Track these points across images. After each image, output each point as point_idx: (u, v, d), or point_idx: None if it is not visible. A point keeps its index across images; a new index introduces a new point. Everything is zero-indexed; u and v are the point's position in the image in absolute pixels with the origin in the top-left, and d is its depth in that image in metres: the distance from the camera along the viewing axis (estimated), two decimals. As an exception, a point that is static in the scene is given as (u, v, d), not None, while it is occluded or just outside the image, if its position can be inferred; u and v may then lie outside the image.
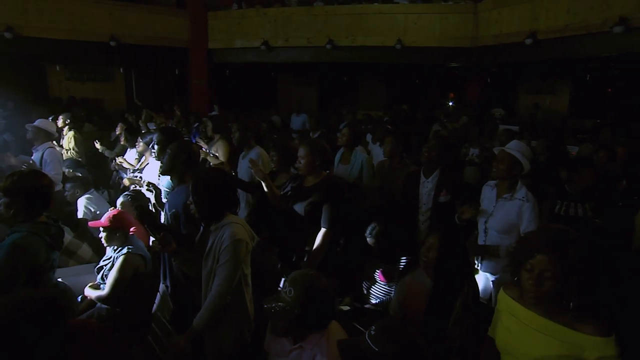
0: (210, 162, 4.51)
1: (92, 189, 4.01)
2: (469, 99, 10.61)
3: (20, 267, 1.82)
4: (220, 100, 10.05)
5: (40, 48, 8.34)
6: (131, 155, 5.09)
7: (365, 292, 2.74)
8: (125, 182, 4.19)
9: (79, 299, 2.79)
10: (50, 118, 5.45)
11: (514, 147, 2.64)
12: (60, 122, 5.97)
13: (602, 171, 3.80)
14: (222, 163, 4.40)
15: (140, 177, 4.11)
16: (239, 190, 3.32)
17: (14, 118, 6.44)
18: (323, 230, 2.72)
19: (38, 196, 1.97)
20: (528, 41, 7.15)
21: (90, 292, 2.67)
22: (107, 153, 5.84)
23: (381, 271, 2.65)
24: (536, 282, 1.33)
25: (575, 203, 3.22)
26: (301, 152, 2.77)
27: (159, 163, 3.64)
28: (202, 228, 2.28)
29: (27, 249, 1.86)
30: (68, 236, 3.10)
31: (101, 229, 2.65)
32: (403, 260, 2.61)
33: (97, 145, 5.72)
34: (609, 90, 11.27)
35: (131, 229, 2.74)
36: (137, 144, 4.69)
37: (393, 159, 3.71)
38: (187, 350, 1.97)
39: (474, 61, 8.87)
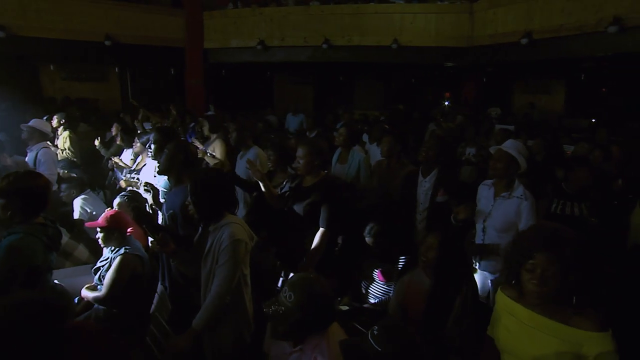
0: (206, 162, 4.49)
1: (88, 190, 3.98)
2: (464, 99, 10.66)
3: (17, 268, 1.80)
4: (216, 100, 10.01)
5: (34, 47, 8.26)
6: (127, 155, 5.06)
7: (364, 291, 2.75)
8: (122, 184, 4.16)
9: (76, 301, 2.77)
10: (45, 118, 5.41)
11: (510, 146, 2.65)
12: (55, 122, 5.92)
13: (597, 170, 3.82)
14: (220, 163, 4.39)
15: (137, 179, 4.09)
16: (238, 190, 3.31)
17: (8, 118, 6.38)
18: (321, 230, 2.72)
19: (35, 197, 1.95)
20: (523, 41, 7.20)
21: (87, 294, 2.64)
22: (102, 152, 5.81)
23: (380, 271, 2.66)
24: (540, 281, 1.33)
25: (571, 202, 3.24)
26: (300, 152, 2.76)
27: (155, 163, 3.63)
28: (200, 228, 2.27)
29: (23, 250, 1.84)
30: (64, 237, 3.07)
31: (98, 229, 2.63)
32: (402, 259, 2.62)
33: (96, 143, 5.70)
34: (604, 89, 11.37)
35: (128, 230, 2.72)
36: (134, 144, 4.67)
37: (391, 158, 3.72)
38: (185, 351, 1.96)
39: (470, 61, 8.90)
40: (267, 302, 1.65)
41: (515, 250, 1.44)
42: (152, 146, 3.11)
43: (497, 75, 10.89)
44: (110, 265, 2.57)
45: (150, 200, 3.02)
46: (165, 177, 3.05)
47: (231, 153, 4.45)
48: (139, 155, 4.61)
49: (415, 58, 9.10)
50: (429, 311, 2.12)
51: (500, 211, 2.59)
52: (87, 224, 2.94)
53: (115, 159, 4.87)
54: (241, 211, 3.70)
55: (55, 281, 2.44)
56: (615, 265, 2.90)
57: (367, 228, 2.65)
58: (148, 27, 9.47)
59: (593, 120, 9.71)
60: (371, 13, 9.00)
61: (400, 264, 2.62)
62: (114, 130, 6.11)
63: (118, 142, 5.61)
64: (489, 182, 2.81)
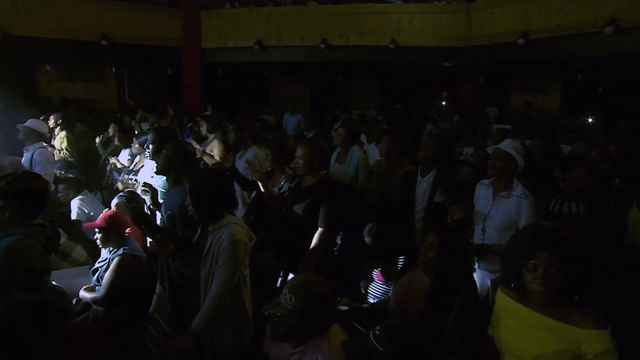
0: (204, 161, 4.47)
1: (86, 190, 3.96)
2: (462, 99, 10.68)
3: (16, 270, 1.79)
4: (213, 100, 9.98)
5: (30, 47, 8.21)
6: (124, 155, 5.04)
7: (363, 291, 2.75)
8: (119, 186, 4.14)
9: (74, 302, 2.75)
10: (42, 118, 5.38)
11: (507, 145, 2.66)
12: (51, 123, 5.89)
13: (595, 170, 3.84)
14: (218, 163, 4.38)
15: (135, 180, 4.07)
16: (237, 190, 3.30)
17: (3, 118, 6.33)
18: (320, 230, 2.71)
19: (33, 198, 1.93)
20: (520, 41, 7.22)
21: (85, 295, 2.63)
22: (100, 151, 5.78)
23: (379, 270, 2.66)
24: (543, 281, 1.33)
25: (569, 201, 3.25)
26: (299, 152, 2.76)
27: (153, 163, 3.61)
28: (199, 229, 2.26)
29: (22, 252, 1.82)
30: (62, 238, 3.05)
31: (96, 230, 2.61)
32: (401, 259, 2.62)
33: (97, 140, 5.68)
34: (600, 89, 11.43)
35: (127, 230, 2.71)
36: (132, 145, 4.65)
37: (389, 158, 3.72)
38: (185, 353, 1.95)
39: (467, 61, 8.93)
40: (267, 305, 1.64)
41: (514, 250, 1.43)
42: (150, 146, 3.10)
43: (494, 75, 10.92)
44: (108, 266, 2.55)
45: (148, 201, 3.00)
46: (163, 178, 3.04)
47: (229, 153, 4.44)
48: (136, 156, 4.59)
49: (413, 58, 9.12)
50: (428, 311, 2.12)
51: (500, 210, 2.60)
52: (85, 225, 2.92)
53: (113, 160, 4.85)
54: (240, 211, 3.69)
55: (53, 282, 2.42)
56: (613, 264, 2.91)
57: (366, 228, 2.65)
58: (145, 26, 9.44)
59: (590, 120, 9.76)
60: (368, 13, 9.01)
61: (400, 264, 2.63)
62: (111, 131, 6.08)
63: (117, 143, 5.58)
64: (486, 181, 2.82)
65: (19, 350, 1.15)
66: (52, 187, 3.99)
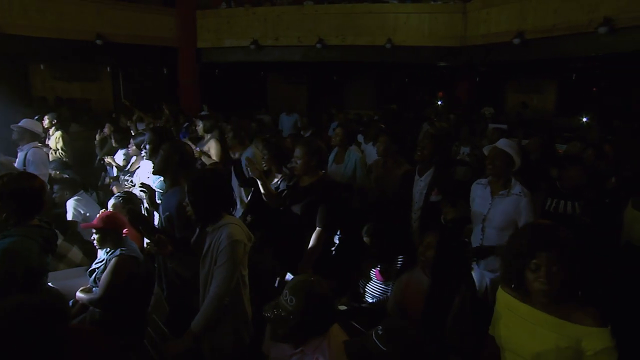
0: (201, 161, 4.45)
1: (82, 191, 3.93)
2: (458, 98, 10.72)
3: (14, 271, 1.77)
4: (209, 100, 9.95)
5: (24, 46, 8.13)
6: (119, 156, 5.01)
7: (361, 291, 2.75)
8: (114, 190, 4.11)
9: (70, 303, 2.73)
10: (36, 118, 5.33)
11: (504, 144, 2.67)
12: (46, 123, 5.84)
13: (591, 169, 3.86)
14: (216, 163, 4.36)
15: (131, 181, 4.04)
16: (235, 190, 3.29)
17: (-2, 118, 6.28)
18: (318, 229, 2.71)
19: (29, 199, 1.91)
20: (516, 41, 7.25)
21: (82, 296, 2.61)
22: (97, 150, 5.75)
23: (378, 270, 2.66)
24: (547, 280, 1.33)
25: (565, 200, 3.27)
26: (297, 152, 2.75)
27: (150, 164, 3.59)
28: (198, 229, 2.25)
29: (20, 253, 1.81)
30: (58, 239, 3.02)
31: (93, 231, 2.59)
32: (400, 259, 2.63)
33: (97, 137, 5.66)
34: (594, 89, 11.52)
35: (124, 231, 2.69)
36: (129, 145, 4.62)
37: (387, 158, 3.72)
38: (184, 353, 1.94)
39: (463, 60, 8.96)
40: (267, 306, 1.63)
41: (514, 250, 1.44)
42: (147, 146, 3.08)
43: (490, 74, 10.98)
44: (105, 267, 2.54)
45: (145, 202, 2.98)
46: (160, 178, 3.02)
47: (227, 153, 4.42)
48: (132, 157, 4.56)
49: (409, 58, 9.14)
50: (427, 310, 2.12)
51: (499, 210, 2.60)
52: (82, 225, 2.91)
53: (108, 159, 4.81)
54: (238, 212, 3.68)
55: (49, 284, 2.40)
56: (608, 263, 2.93)
57: (365, 228, 2.65)
58: (140, 26, 9.38)
59: (584, 119, 9.83)
60: (365, 13, 9.01)
61: (398, 263, 2.63)
62: (106, 131, 6.04)
63: (114, 144, 5.54)
64: (483, 181, 2.82)
65: (18, 352, 1.14)
66: (47, 187, 3.96)
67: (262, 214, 3.36)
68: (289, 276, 2.69)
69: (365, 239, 2.64)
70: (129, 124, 6.76)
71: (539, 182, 3.61)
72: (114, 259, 2.52)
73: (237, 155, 3.40)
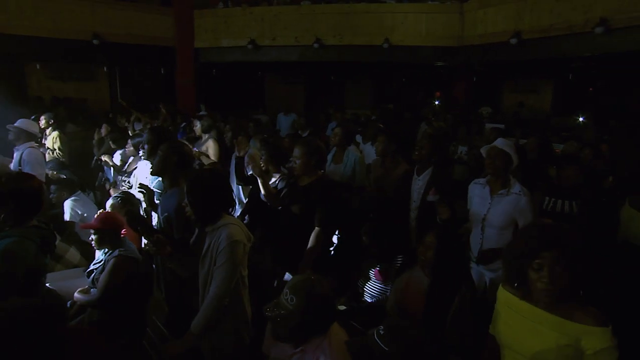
0: (199, 161, 4.44)
1: (79, 191, 3.91)
2: (455, 98, 10.75)
3: (13, 272, 1.76)
4: (207, 100, 9.93)
5: (20, 46, 8.07)
6: (116, 158, 4.98)
7: (360, 290, 2.75)
8: (111, 191, 4.10)
9: (68, 304, 2.72)
10: (32, 118, 5.30)
11: (503, 143, 2.68)
12: (43, 123, 5.81)
13: (588, 168, 3.89)
14: (214, 162, 4.35)
15: (128, 182, 4.03)
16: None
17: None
18: (316, 229, 2.71)
19: (28, 199, 1.90)
20: (513, 41, 7.28)
21: (80, 297, 2.59)
22: (95, 151, 5.72)
23: (377, 270, 2.66)
24: (550, 279, 1.34)
25: (562, 200, 3.28)
26: (297, 152, 2.75)
27: (147, 164, 3.57)
28: (197, 230, 2.24)
29: (19, 254, 1.79)
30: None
31: (92, 231, 2.58)
32: (399, 258, 2.63)
33: (96, 136, 5.64)
34: (591, 89, 11.58)
35: (122, 231, 2.68)
36: (127, 146, 4.60)
37: (385, 157, 3.73)
38: (184, 354, 1.94)
39: (460, 60, 8.98)
40: (267, 305, 1.63)
41: (517, 250, 1.44)
42: (146, 147, 3.07)
43: (487, 74, 11.01)
44: (104, 268, 2.53)
45: (144, 202, 2.97)
46: (158, 178, 3.01)
47: (225, 153, 4.42)
48: (129, 157, 4.54)
49: (406, 57, 9.15)
50: (427, 310, 2.12)
51: (499, 209, 2.61)
52: (80, 226, 2.89)
53: (105, 158, 4.79)
54: (237, 212, 3.67)
55: (47, 285, 2.39)
56: (605, 262, 2.94)
57: (364, 228, 2.65)
58: (137, 25, 9.33)
59: (581, 119, 9.89)
60: (362, 12, 9.01)
61: (398, 263, 2.63)
62: (103, 131, 6.02)
63: (112, 146, 5.51)
64: (481, 180, 2.83)
65: (18, 353, 1.14)
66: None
67: (261, 214, 3.35)
68: (287, 276, 2.69)
69: (364, 238, 2.64)
70: (126, 125, 6.73)
71: (536, 182, 3.62)
72: (112, 260, 2.51)
73: (241, 154, 3.40)
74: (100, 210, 3.05)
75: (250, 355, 2.09)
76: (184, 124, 7.05)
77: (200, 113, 7.98)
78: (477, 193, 2.79)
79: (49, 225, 2.06)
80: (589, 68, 9.72)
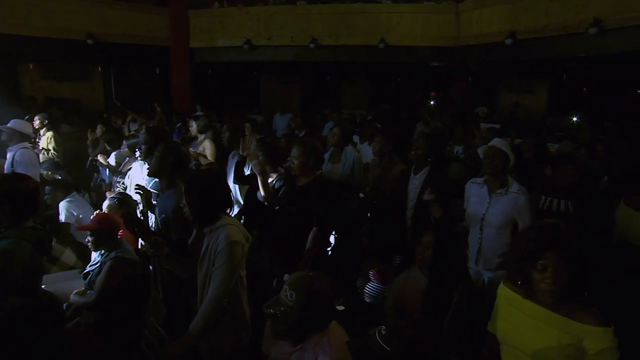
0: (196, 162, 4.41)
1: (74, 192, 3.87)
2: (452, 98, 10.79)
3: (11, 274, 1.74)
4: (202, 100, 9.89)
5: (13, 45, 7.97)
6: (111, 159, 4.95)
7: (359, 290, 2.75)
8: (107, 194, 4.06)
9: (64, 307, 2.69)
10: (26, 118, 5.25)
11: (500, 143, 2.69)
12: (37, 123, 5.75)
13: (584, 168, 3.91)
14: (211, 163, 4.33)
15: (122, 183, 4.00)
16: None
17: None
18: (314, 229, 2.71)
19: (24, 200, 1.87)
20: (508, 41, 7.32)
21: (76, 299, 2.57)
22: (89, 151, 5.67)
23: (375, 270, 2.66)
24: (553, 280, 1.34)
25: (558, 199, 3.30)
26: (294, 152, 2.75)
27: (141, 165, 3.55)
28: (195, 231, 2.23)
29: (16, 255, 1.77)
30: (51, 241, 2.97)
31: (88, 232, 2.55)
32: (397, 258, 2.63)
33: (89, 138, 5.59)
34: (585, 89, 11.67)
35: (119, 233, 2.65)
36: (122, 147, 4.57)
37: (383, 157, 3.73)
38: (183, 355, 1.92)
39: (456, 60, 9.01)
40: (267, 302, 1.64)
41: (521, 251, 1.44)
42: (142, 147, 3.04)
43: (482, 74, 11.07)
44: (100, 270, 2.50)
45: (141, 204, 2.95)
46: (154, 179, 2.99)
47: (222, 153, 4.40)
48: (125, 158, 4.50)
49: (402, 58, 9.17)
50: (426, 310, 2.13)
51: (497, 208, 2.62)
52: (76, 227, 2.86)
53: (100, 158, 4.75)
54: (233, 213, 3.66)
55: (42, 286, 2.36)
56: (608, 262, 2.96)
57: (364, 228, 2.65)
58: (132, 25, 9.27)
59: (575, 119, 9.96)
60: (358, 13, 9.02)
61: (396, 263, 2.64)
62: (98, 132, 5.97)
63: (107, 148, 5.47)
64: (479, 180, 2.83)
65: (17, 355, 1.12)
66: (39, 188, 3.89)
67: (257, 215, 3.34)
68: (287, 277, 2.67)
69: (364, 239, 2.65)
70: (122, 126, 6.68)
71: (532, 181, 3.64)
72: (109, 262, 2.48)
73: (245, 153, 3.39)
74: (97, 212, 3.03)
75: (249, 356, 2.08)
76: (179, 124, 7.01)
77: (197, 113, 7.94)
78: (475, 192, 2.79)
79: (45, 226, 2.03)
80: (584, 68, 9.81)
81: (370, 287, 2.70)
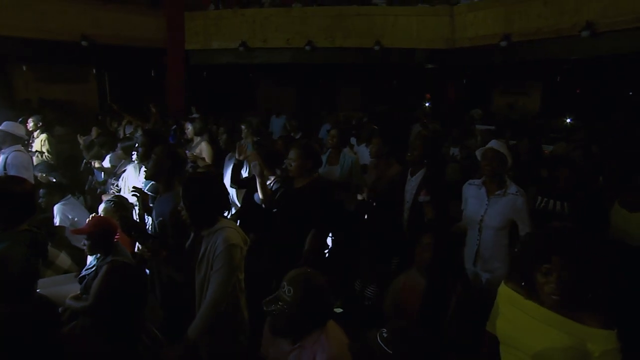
0: (193, 164, 4.40)
1: (69, 195, 3.84)
2: (445, 100, 10.85)
3: (7, 277, 1.72)
4: (198, 103, 9.85)
5: (6, 47, 7.92)
6: (106, 162, 4.91)
7: (357, 292, 2.74)
8: (103, 197, 4.02)
9: (60, 311, 2.66)
10: (19, 120, 5.19)
11: (498, 145, 2.70)
12: (30, 125, 5.70)
13: (579, 169, 3.94)
14: (208, 165, 4.31)
15: (117, 185, 3.97)
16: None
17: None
18: (312, 231, 2.71)
19: (20, 203, 1.86)
20: (502, 43, 7.39)
21: (72, 303, 2.53)
22: (84, 154, 5.62)
23: (374, 271, 2.65)
24: (558, 284, 1.34)
25: (554, 200, 3.33)
26: (292, 154, 2.74)
27: (135, 168, 3.53)
28: (193, 234, 2.22)
29: (13, 258, 1.75)
30: (45, 245, 2.94)
31: (84, 236, 2.52)
32: (395, 260, 2.63)
33: (81, 142, 5.54)
34: (578, 91, 11.77)
35: (115, 236, 2.63)
36: (116, 150, 4.54)
37: (379, 159, 3.74)
38: (180, 359, 1.91)
39: (451, 63, 9.07)
40: (266, 300, 1.65)
41: (527, 254, 1.45)
42: (139, 149, 3.02)
43: (477, 76, 11.13)
44: (97, 274, 2.47)
45: (137, 207, 2.93)
46: (151, 182, 2.97)
47: (219, 155, 4.38)
48: (120, 161, 4.47)
49: (397, 60, 9.22)
50: (424, 311, 2.13)
51: (496, 210, 2.63)
52: (72, 231, 2.83)
53: (97, 164, 4.72)
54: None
55: (38, 290, 2.33)
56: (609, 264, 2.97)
57: (361, 230, 2.65)
58: (127, 27, 9.22)
59: (568, 120, 10.04)
60: (353, 15, 9.06)
61: (394, 264, 2.64)
62: (93, 134, 5.93)
63: (103, 152, 5.43)
64: (476, 181, 2.83)
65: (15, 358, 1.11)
66: (34, 191, 3.85)
67: (254, 218, 3.33)
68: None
69: (362, 241, 2.65)
70: (117, 128, 6.63)
71: (528, 183, 3.67)
72: (105, 266, 2.45)
73: (241, 157, 3.38)
74: (92, 215, 3.00)
75: (247, 358, 2.07)
76: (174, 126, 6.98)
77: (193, 116, 7.90)
78: (473, 194, 2.78)
79: (40, 229, 2.01)
80: (577, 70, 9.90)
81: (369, 289, 2.69)
